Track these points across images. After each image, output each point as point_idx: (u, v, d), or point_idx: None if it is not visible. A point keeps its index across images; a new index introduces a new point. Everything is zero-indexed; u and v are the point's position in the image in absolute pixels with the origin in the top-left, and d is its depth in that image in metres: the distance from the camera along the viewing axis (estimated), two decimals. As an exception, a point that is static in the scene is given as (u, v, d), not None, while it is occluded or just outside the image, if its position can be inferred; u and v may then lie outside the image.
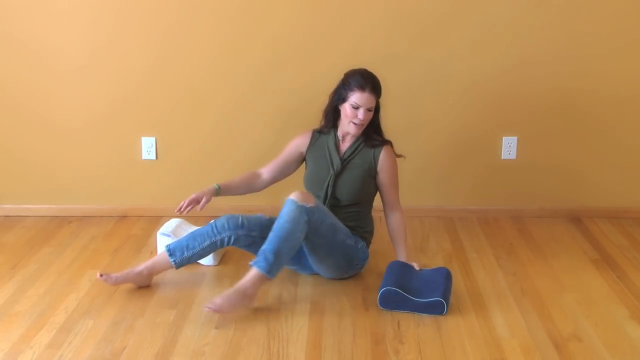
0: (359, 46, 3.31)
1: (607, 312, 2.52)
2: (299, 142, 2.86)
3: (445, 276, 2.60)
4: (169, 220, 3.03)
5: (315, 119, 3.43)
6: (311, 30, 3.31)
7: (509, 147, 3.46)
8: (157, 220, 3.41)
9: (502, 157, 3.47)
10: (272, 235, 2.47)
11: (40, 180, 3.51)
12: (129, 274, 2.62)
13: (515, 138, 3.45)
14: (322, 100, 3.34)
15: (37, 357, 2.21)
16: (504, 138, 3.45)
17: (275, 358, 2.21)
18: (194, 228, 2.90)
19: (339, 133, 2.78)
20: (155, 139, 3.46)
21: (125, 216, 3.53)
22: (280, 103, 3.40)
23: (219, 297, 2.39)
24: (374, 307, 2.54)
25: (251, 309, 2.51)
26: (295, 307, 2.55)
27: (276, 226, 2.48)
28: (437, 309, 2.47)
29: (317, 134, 2.83)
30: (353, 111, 2.65)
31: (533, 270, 2.88)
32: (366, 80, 2.63)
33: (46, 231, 3.33)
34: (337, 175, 2.73)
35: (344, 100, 2.67)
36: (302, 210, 2.47)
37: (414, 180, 3.50)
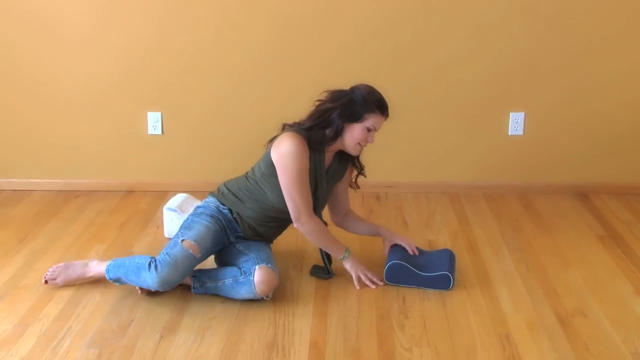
0: (366, 16, 3.28)
1: (612, 288, 2.52)
2: (306, 164, 2.43)
3: (450, 256, 2.61)
4: (175, 195, 3.03)
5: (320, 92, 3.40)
6: (317, 2, 3.27)
7: (516, 123, 3.43)
8: (163, 195, 3.42)
9: (509, 133, 3.45)
10: (220, 285, 2.39)
11: (47, 155, 3.52)
12: None
13: (523, 114, 3.43)
14: (327, 73, 3.34)
15: (46, 329, 2.23)
16: (511, 114, 3.43)
17: (280, 332, 2.23)
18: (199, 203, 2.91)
19: (328, 149, 2.49)
20: (161, 114, 3.46)
21: (131, 191, 3.54)
22: (286, 77, 3.38)
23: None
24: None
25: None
26: (301, 282, 2.56)
27: (227, 288, 2.38)
28: (443, 283, 2.49)
29: (310, 151, 2.45)
30: (365, 134, 2.43)
31: (538, 246, 2.88)
32: (385, 103, 2.45)
33: (53, 205, 3.34)
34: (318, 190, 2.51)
35: (357, 120, 2.42)
36: (255, 296, 2.36)
37: (419, 156, 3.49)
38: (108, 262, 2.49)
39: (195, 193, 3.17)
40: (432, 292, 2.47)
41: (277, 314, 2.34)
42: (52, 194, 3.49)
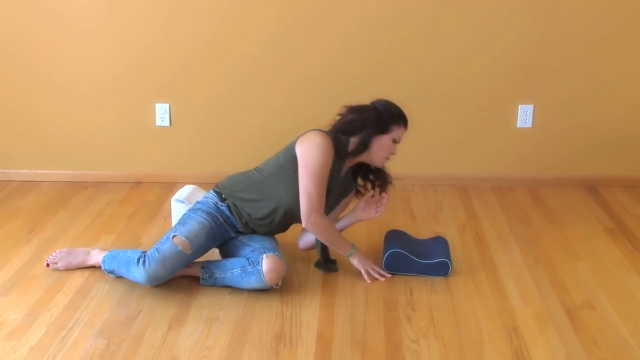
0: (375, 8, 3.26)
1: (621, 282, 2.51)
2: (329, 164, 2.42)
3: (445, 243, 2.63)
4: (183, 186, 3.04)
5: (330, 84, 3.42)
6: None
7: (525, 115, 3.42)
8: (171, 186, 3.43)
9: (518, 126, 3.44)
10: (229, 276, 2.40)
11: (56, 146, 3.53)
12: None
13: (532, 106, 3.41)
14: (336, 65, 3.33)
15: (55, 319, 2.25)
16: (520, 106, 3.41)
17: (288, 323, 2.23)
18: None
19: (349, 159, 2.50)
20: (169, 106, 3.46)
21: (139, 182, 3.55)
22: (294, 68, 3.37)
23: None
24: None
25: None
26: (308, 274, 2.56)
27: (235, 278, 2.39)
28: (442, 270, 2.50)
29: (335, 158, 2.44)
30: (392, 145, 2.49)
31: (547, 239, 2.87)
32: (405, 115, 2.51)
33: (62, 196, 3.36)
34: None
35: (385, 131, 2.45)
36: (264, 285, 2.37)
37: (427, 148, 3.48)
38: (106, 253, 2.52)
39: (203, 184, 3.16)
40: (439, 285, 2.47)
41: (285, 305, 2.34)
42: (60, 185, 3.51)
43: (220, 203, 2.51)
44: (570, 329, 2.19)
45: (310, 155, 2.37)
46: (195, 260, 2.47)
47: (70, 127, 3.50)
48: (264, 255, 2.36)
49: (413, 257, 2.52)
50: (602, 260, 2.68)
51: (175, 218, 2.93)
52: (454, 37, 3.31)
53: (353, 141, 2.46)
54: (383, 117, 2.45)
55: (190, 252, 2.39)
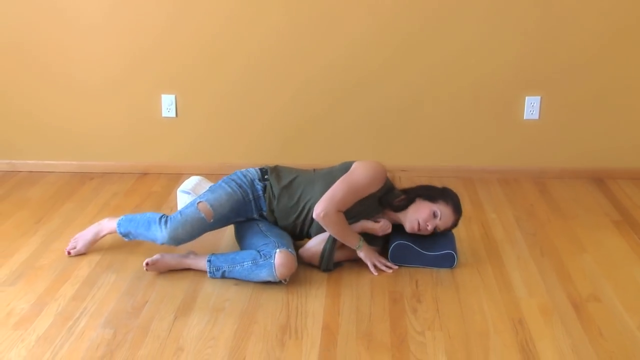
0: (383, 0, 3.25)
1: (627, 274, 2.50)
2: (373, 187, 2.50)
3: (450, 235, 2.63)
4: (189, 177, 3.04)
5: (339, 77, 3.41)
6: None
7: (531, 107, 3.40)
8: (177, 177, 3.43)
9: (525, 118, 3.42)
10: (238, 269, 2.40)
11: (62, 137, 3.54)
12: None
13: (539, 98, 3.39)
14: (345, 57, 3.32)
15: (62, 309, 2.26)
16: (527, 98, 3.39)
17: (293, 314, 2.24)
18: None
19: (386, 212, 2.56)
20: (175, 97, 3.46)
21: (145, 173, 3.56)
22: (302, 59, 3.37)
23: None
24: (393, 266, 2.55)
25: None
26: (314, 266, 2.56)
27: (245, 271, 2.39)
28: (447, 261, 2.50)
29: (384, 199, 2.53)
30: (430, 216, 2.47)
31: (553, 231, 2.87)
32: (460, 206, 2.54)
33: (69, 187, 3.37)
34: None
35: (431, 199, 2.50)
36: (274, 279, 2.37)
37: (434, 140, 3.48)
38: (120, 217, 2.58)
39: (209, 176, 3.17)
40: (445, 277, 2.47)
41: (290, 296, 2.35)
42: (67, 175, 3.52)
43: (257, 181, 2.55)
44: (576, 321, 2.19)
45: (361, 171, 2.47)
46: (201, 255, 2.49)
47: (76, 119, 3.51)
48: (278, 250, 2.37)
49: (419, 248, 2.52)
50: (608, 252, 2.67)
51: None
52: (461, 29, 3.29)
53: (401, 197, 2.54)
54: (436, 189, 2.56)
55: (212, 220, 2.46)
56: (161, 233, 2.43)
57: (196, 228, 2.44)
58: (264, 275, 2.37)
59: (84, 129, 3.53)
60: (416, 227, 2.49)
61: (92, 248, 2.65)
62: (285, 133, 3.47)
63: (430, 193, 2.54)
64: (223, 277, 2.44)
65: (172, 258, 2.49)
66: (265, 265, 2.36)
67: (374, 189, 2.49)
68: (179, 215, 2.45)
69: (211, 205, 2.46)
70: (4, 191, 3.31)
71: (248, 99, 3.45)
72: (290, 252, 2.38)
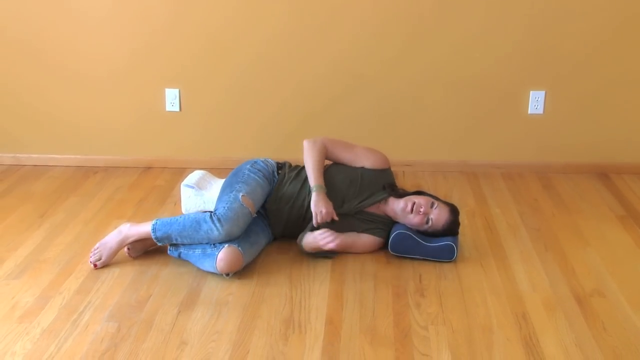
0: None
1: (631, 269, 2.50)
2: (379, 165, 2.66)
3: None
4: (192, 171, 3.04)
5: (342, 71, 3.40)
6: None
7: (536, 101, 3.39)
8: (181, 171, 3.44)
9: (529, 112, 3.41)
10: (191, 253, 2.45)
11: (66, 131, 3.55)
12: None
13: (543, 92, 3.38)
14: (348, 51, 3.31)
15: (67, 302, 2.27)
16: (531, 92, 3.38)
17: (297, 309, 2.24)
18: (217, 180, 2.92)
19: (386, 204, 2.61)
20: (179, 91, 3.46)
21: (149, 167, 3.56)
22: (306, 53, 3.36)
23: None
24: (395, 261, 2.55)
25: (274, 260, 2.55)
26: (317, 260, 2.57)
27: (195, 257, 2.44)
28: (448, 253, 2.50)
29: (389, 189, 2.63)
30: (426, 201, 2.53)
31: (557, 226, 2.86)
32: (456, 210, 2.61)
33: (72, 181, 3.37)
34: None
35: (430, 195, 2.61)
36: (215, 271, 2.40)
37: (438, 135, 3.47)
38: (151, 222, 2.48)
39: (213, 170, 3.18)
40: (448, 271, 2.47)
41: (294, 290, 2.35)
42: (71, 169, 3.53)
43: (276, 172, 2.67)
44: (579, 316, 2.19)
45: (375, 151, 2.68)
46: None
47: (80, 112, 3.51)
48: (226, 245, 2.39)
49: (419, 239, 2.52)
50: (612, 247, 2.67)
51: (184, 203, 2.94)
52: (465, 23, 3.28)
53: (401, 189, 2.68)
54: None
55: (254, 214, 2.52)
56: (218, 232, 2.38)
57: (245, 222, 2.46)
58: (207, 266, 2.41)
59: (88, 123, 3.53)
60: (410, 207, 2.51)
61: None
62: (288, 127, 3.47)
63: (430, 194, 2.66)
64: (179, 257, 2.50)
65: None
66: (210, 256, 2.40)
67: (369, 161, 2.63)
68: (229, 213, 2.41)
69: (253, 200, 2.50)
70: (8, 185, 3.32)
71: (252, 94, 3.45)
72: (238, 249, 2.40)
